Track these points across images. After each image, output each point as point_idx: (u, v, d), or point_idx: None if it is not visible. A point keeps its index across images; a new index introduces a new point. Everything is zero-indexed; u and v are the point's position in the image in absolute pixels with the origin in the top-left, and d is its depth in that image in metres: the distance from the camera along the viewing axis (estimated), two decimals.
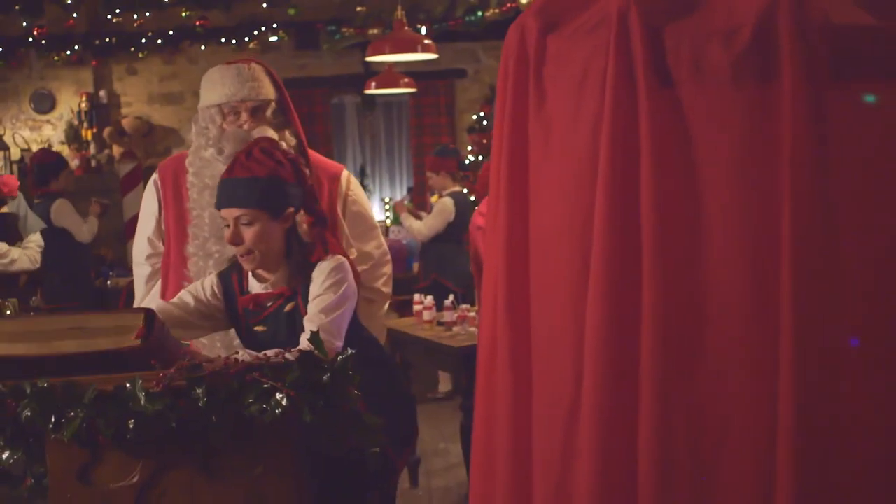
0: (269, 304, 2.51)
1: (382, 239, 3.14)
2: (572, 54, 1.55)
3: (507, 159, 1.66)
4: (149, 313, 2.08)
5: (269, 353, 2.10)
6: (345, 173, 3.04)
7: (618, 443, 1.49)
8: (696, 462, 1.47)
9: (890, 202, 1.44)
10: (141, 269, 3.04)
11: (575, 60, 1.54)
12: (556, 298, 1.60)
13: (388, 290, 3.12)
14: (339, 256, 2.51)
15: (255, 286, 2.55)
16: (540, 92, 1.61)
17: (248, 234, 2.44)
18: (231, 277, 2.58)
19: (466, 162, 7.29)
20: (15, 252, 5.99)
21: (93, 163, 9.33)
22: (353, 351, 2.08)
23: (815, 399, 1.40)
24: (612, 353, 1.48)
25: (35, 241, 6.14)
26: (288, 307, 2.49)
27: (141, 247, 3.03)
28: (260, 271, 2.53)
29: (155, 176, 3.03)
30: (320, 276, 2.44)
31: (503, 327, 1.69)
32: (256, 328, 2.52)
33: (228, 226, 2.46)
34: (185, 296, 2.59)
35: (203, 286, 2.60)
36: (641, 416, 1.47)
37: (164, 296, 2.93)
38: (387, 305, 3.21)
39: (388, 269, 3.12)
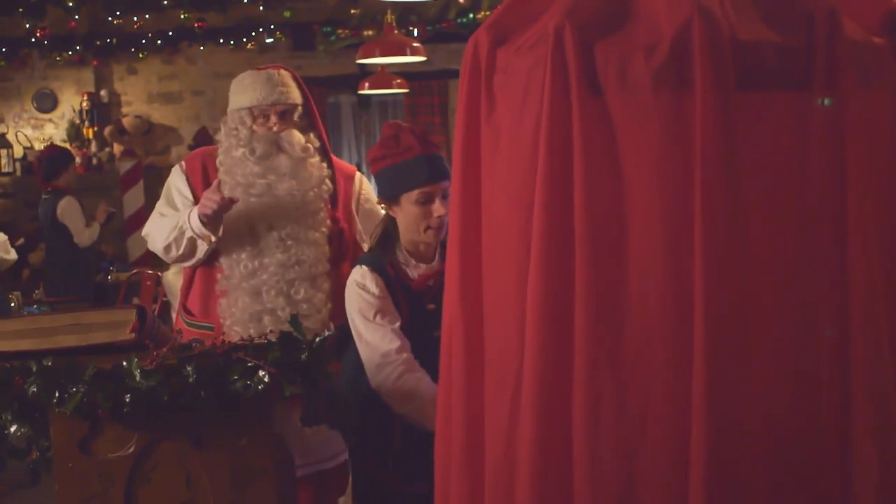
0: (432, 283, 2.61)
1: None
2: (517, 66, 1.74)
3: (462, 161, 1.85)
4: (140, 309, 2.29)
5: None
6: (358, 174, 3.27)
7: (554, 410, 1.68)
8: (622, 430, 1.65)
9: (790, 197, 1.63)
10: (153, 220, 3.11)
11: (519, 72, 1.73)
12: (504, 284, 1.79)
13: None
14: None
15: (410, 268, 2.62)
16: (490, 100, 1.80)
17: (446, 205, 2.52)
18: (385, 269, 2.61)
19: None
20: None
21: (94, 161, 9.52)
22: (331, 332, 2.28)
23: (724, 378, 1.58)
24: (549, 332, 1.67)
25: None
26: None
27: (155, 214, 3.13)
28: (423, 249, 2.62)
29: (182, 164, 3.15)
30: None
31: (458, 315, 1.86)
32: (429, 306, 2.59)
33: (428, 202, 2.54)
34: (394, 334, 2.57)
35: (377, 311, 2.57)
36: (574, 387, 1.66)
37: (190, 280, 3.10)
38: None
39: None
